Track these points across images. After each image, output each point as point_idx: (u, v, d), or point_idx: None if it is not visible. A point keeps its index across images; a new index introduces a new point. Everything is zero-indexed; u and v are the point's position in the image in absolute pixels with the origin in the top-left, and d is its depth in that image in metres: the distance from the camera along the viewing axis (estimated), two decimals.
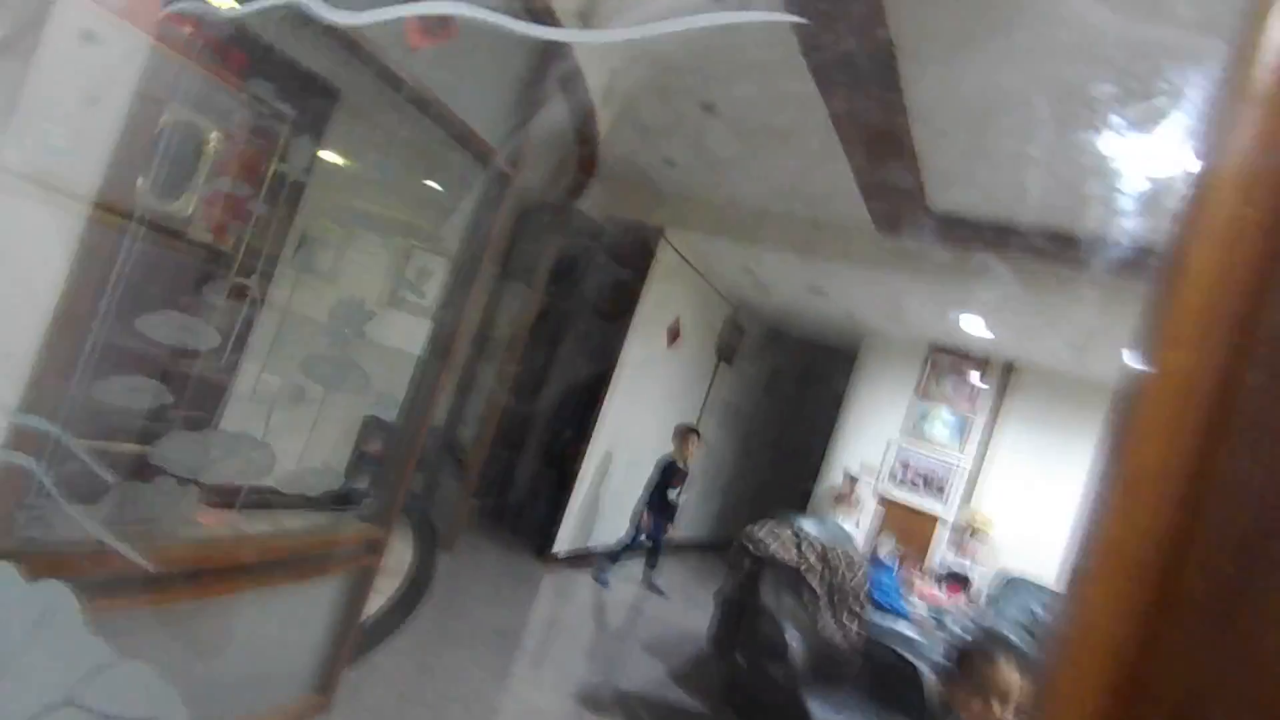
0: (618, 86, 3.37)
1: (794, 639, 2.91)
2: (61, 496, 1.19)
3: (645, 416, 5.81)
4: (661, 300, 5.49)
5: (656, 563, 5.41)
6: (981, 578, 5.36)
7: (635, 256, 5.45)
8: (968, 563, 5.30)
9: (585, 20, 2.63)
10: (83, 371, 1.25)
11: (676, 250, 5.44)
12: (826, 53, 2.88)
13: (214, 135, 2.71)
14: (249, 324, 3.03)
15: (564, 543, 5.20)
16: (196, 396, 2.21)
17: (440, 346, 2.55)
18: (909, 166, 3.54)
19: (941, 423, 5.81)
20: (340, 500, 4.78)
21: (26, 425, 1.08)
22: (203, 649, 1.79)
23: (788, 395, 9.14)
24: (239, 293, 2.39)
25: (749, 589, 3.37)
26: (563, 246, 5.91)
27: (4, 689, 0.70)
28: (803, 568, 3.42)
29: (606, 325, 6.59)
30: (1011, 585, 5.21)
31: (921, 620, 3.86)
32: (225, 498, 1.92)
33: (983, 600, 5.22)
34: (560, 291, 6.29)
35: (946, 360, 5.91)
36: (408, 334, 4.59)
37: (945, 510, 5.62)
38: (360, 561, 2.42)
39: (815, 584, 3.42)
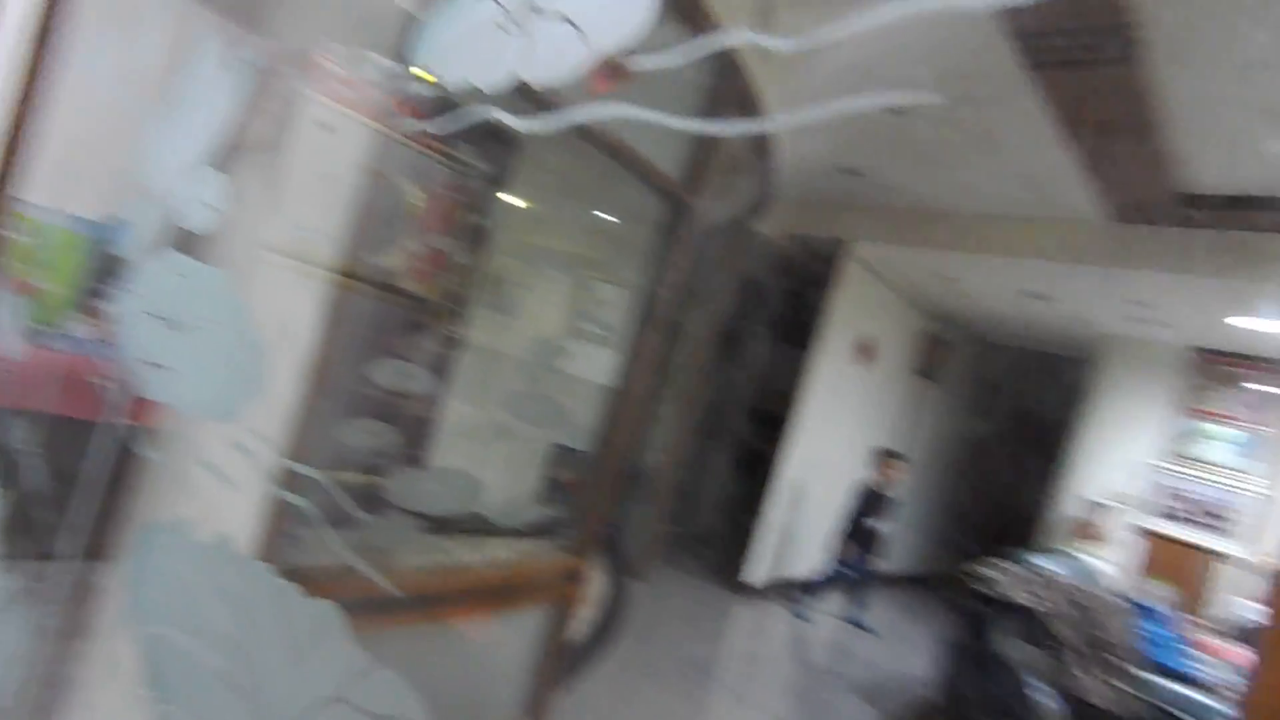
0: (797, 100, 3.26)
1: (1048, 698, 2.54)
2: (325, 528, 1.36)
3: (838, 440, 5.47)
4: (850, 317, 5.18)
5: (863, 599, 4.99)
6: None
7: (819, 273, 5.24)
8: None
9: (764, 19, 2.56)
10: (329, 417, 1.40)
11: (864, 263, 5.14)
12: (1047, 34, 2.60)
13: (417, 195, 3.00)
14: (451, 364, 3.31)
15: (757, 572, 4.98)
16: (411, 434, 2.40)
17: (628, 374, 2.56)
18: (1151, 146, 3.08)
19: (1221, 442, 4.93)
20: (535, 528, 4.94)
21: (297, 470, 1.24)
22: (425, 669, 1.89)
23: (1002, 413, 8.31)
24: (443, 336, 2.57)
25: (978, 635, 3.02)
26: (743, 269, 5.84)
27: (294, 685, 0.92)
28: (1042, 610, 3.01)
29: (792, 347, 6.40)
30: None
31: (1216, 683, 3.23)
32: (440, 527, 2.04)
33: None
34: (742, 314, 6.20)
35: (1218, 368, 5.05)
36: (588, 363, 4.72)
37: (1231, 546, 4.74)
38: (562, 590, 2.46)
39: (1062, 630, 2.99)
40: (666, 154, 2.35)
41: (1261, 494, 4.74)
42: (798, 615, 4.84)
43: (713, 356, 4.61)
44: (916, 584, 7.06)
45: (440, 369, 2.57)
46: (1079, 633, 3.01)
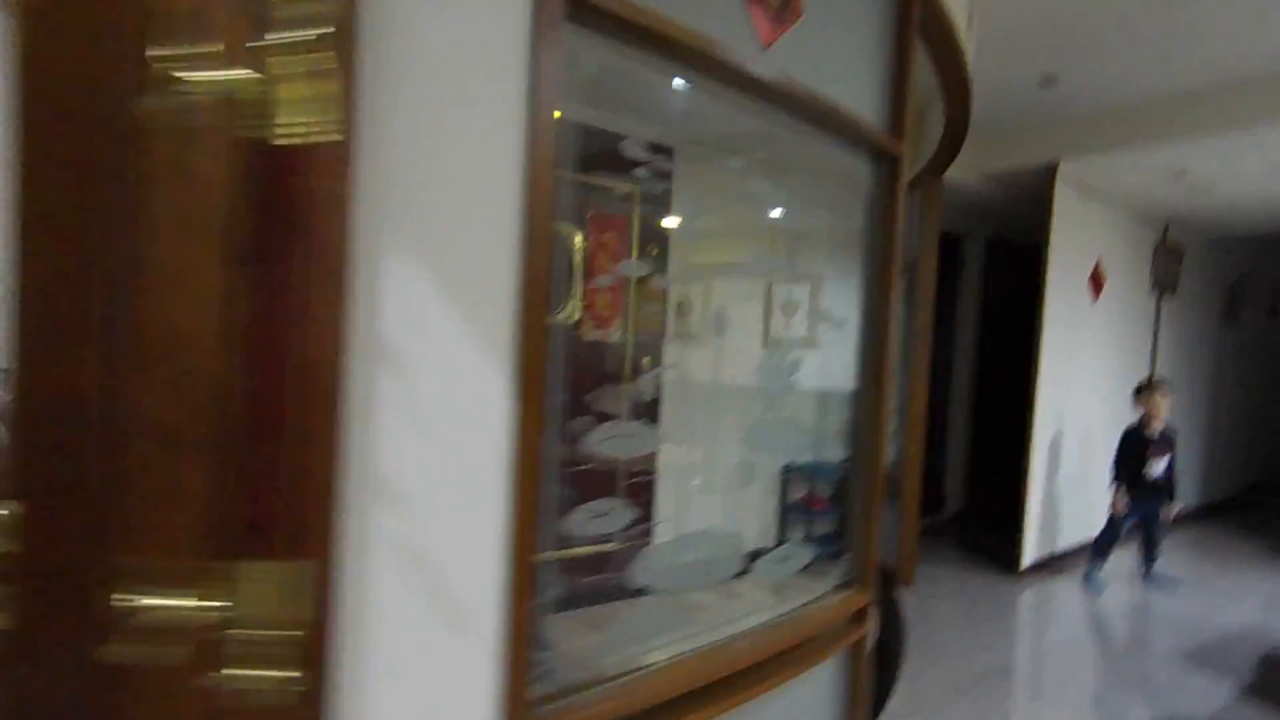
0: (975, 8, 3.00)
1: None
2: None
3: (1087, 384, 5.06)
4: (1072, 248, 4.78)
5: (1155, 553, 4.58)
6: None
7: (1023, 211, 4.88)
8: None
9: None
10: (549, 506, 1.31)
11: (1078, 183, 4.73)
12: None
13: (578, 238, 2.91)
14: (657, 404, 3.09)
15: (1032, 550, 4.70)
16: (639, 501, 2.25)
17: (872, 372, 2.37)
18: None
19: None
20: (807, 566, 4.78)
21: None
22: None
23: (1262, 310, 7.49)
24: (640, 380, 2.43)
25: None
26: (944, 225, 5.54)
27: None
28: None
29: (1008, 298, 6.00)
30: None
31: None
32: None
33: None
34: (948, 275, 5.89)
35: None
36: (828, 370, 4.61)
37: None
38: (851, 635, 2.23)
39: None
40: (866, 104, 2.12)
41: None
42: (1090, 588, 4.51)
43: (930, 328, 4.38)
44: (1212, 517, 6.47)
45: (648, 416, 2.38)
46: None
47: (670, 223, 3.55)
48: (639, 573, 1.57)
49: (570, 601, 1.54)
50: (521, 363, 1.16)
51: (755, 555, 2.06)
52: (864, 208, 2.35)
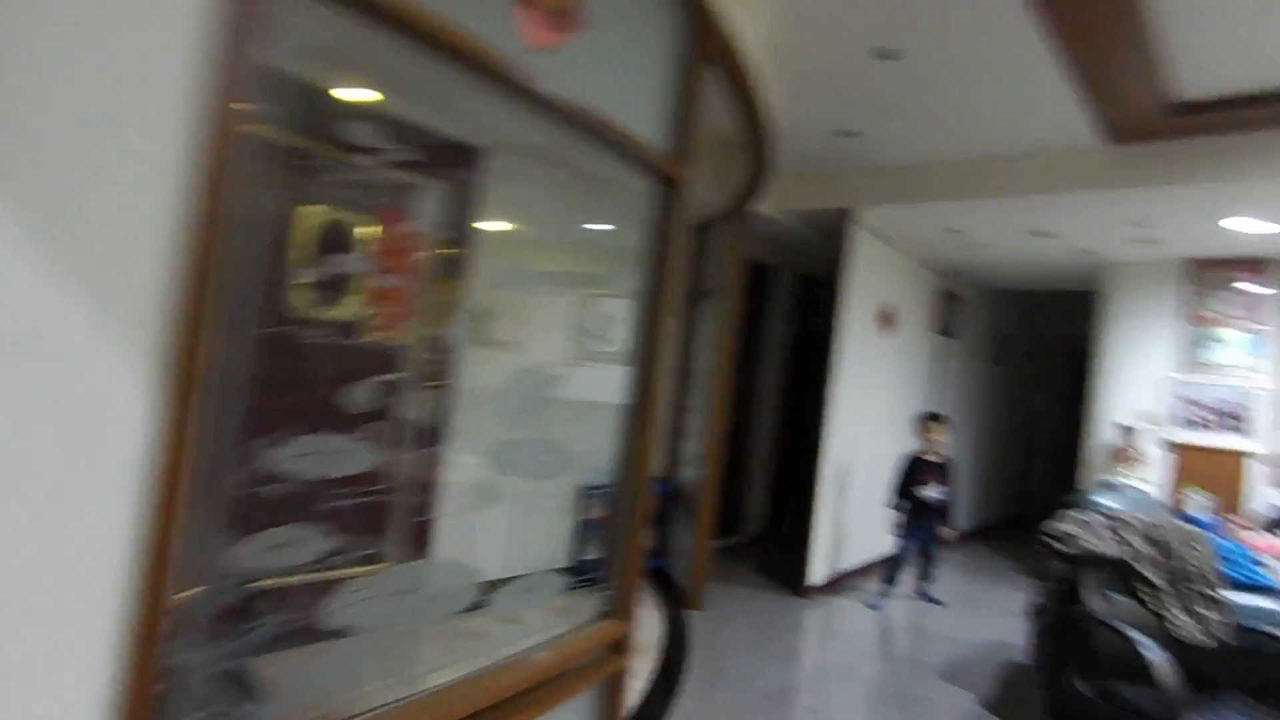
0: (778, 54, 3.19)
1: (1152, 654, 2.55)
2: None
3: (876, 415, 5.50)
4: (866, 288, 5.18)
5: (929, 573, 5.01)
6: None
7: (828, 248, 5.22)
8: None
9: None
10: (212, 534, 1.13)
11: (873, 229, 5.15)
12: None
13: (362, 228, 2.54)
14: (443, 414, 2.81)
15: (819, 570, 5.01)
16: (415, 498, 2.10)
17: (640, 389, 2.33)
18: (1143, 56, 3.09)
19: (1226, 345, 5.06)
20: (575, 574, 4.76)
21: None
22: None
23: (1024, 356, 8.46)
24: (424, 389, 2.25)
25: (1067, 597, 3.03)
26: (749, 257, 5.80)
27: None
28: (1129, 557, 3.03)
29: (813, 330, 6.38)
30: None
31: None
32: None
33: None
34: (756, 306, 6.18)
35: (1214, 274, 5.15)
36: (607, 387, 4.66)
37: (1253, 443, 4.86)
38: (607, 668, 2.14)
39: (1151, 575, 3.02)
40: (649, 127, 2.12)
41: (1269, 388, 4.88)
42: (870, 605, 4.84)
43: (733, 354, 4.56)
44: (982, 540, 7.15)
45: (428, 423, 2.15)
46: (1164, 571, 3.04)
47: (476, 225, 3.44)
48: (334, 611, 1.35)
49: (271, 644, 1.34)
50: (178, 364, 0.95)
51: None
52: (648, 223, 2.35)
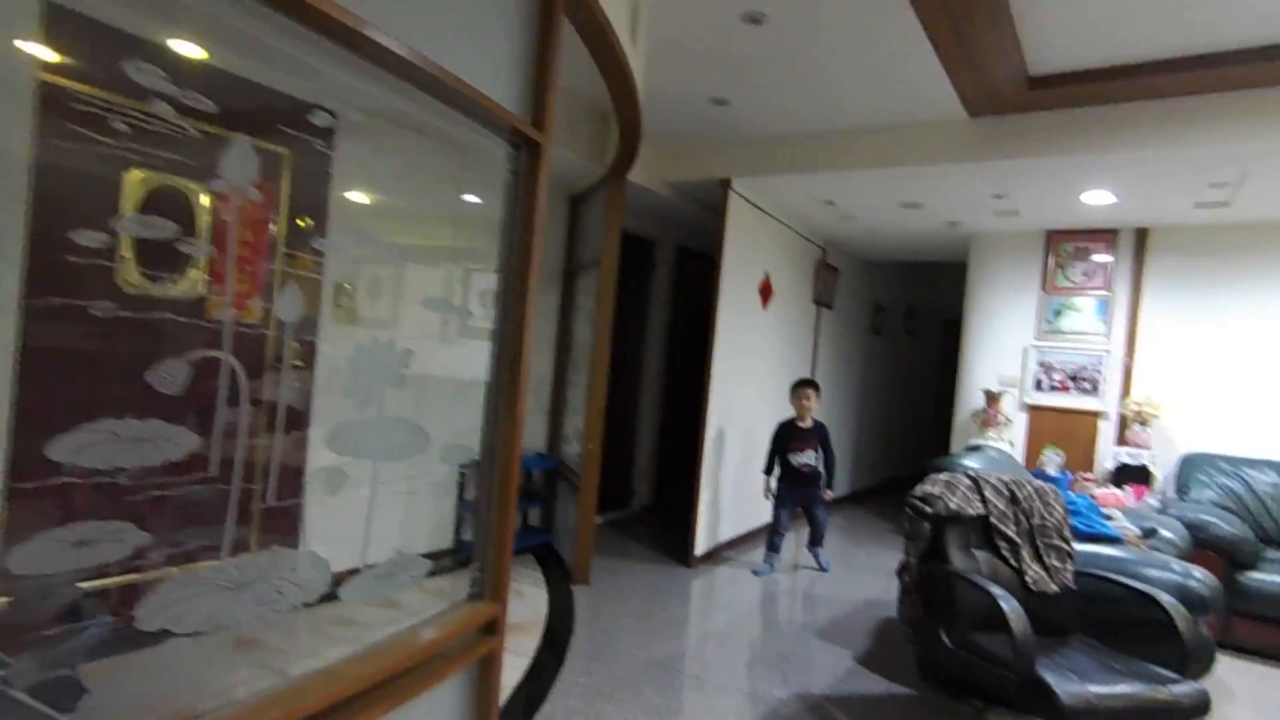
0: (642, 12, 3.08)
1: (1008, 605, 2.63)
2: None
3: (755, 386, 5.53)
4: (745, 260, 5.18)
5: (818, 534, 5.07)
6: (1161, 467, 4.93)
7: (709, 220, 5.18)
8: (1142, 454, 4.88)
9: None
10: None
11: (747, 200, 5.14)
12: None
13: (204, 197, 2.37)
14: (298, 395, 2.79)
15: (704, 540, 5.02)
16: (265, 485, 1.90)
17: (507, 363, 2.28)
18: (1004, 31, 3.15)
19: (1078, 313, 5.35)
20: (454, 555, 4.59)
21: None
22: None
23: (901, 327, 8.76)
24: (279, 366, 2.12)
25: (935, 555, 3.11)
26: (629, 229, 5.69)
27: None
28: (993, 516, 3.13)
29: (696, 303, 6.35)
30: (1192, 465, 4.78)
31: (1131, 537, 3.51)
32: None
33: (1170, 491, 4.80)
34: (641, 279, 6.08)
35: (1069, 245, 5.43)
36: (479, 363, 4.49)
37: (1103, 404, 5.19)
38: (478, 650, 2.06)
39: (1011, 532, 3.12)
40: (503, 86, 2.02)
41: (1114, 352, 5.20)
42: (755, 572, 4.87)
43: (612, 327, 4.45)
44: (859, 503, 7.37)
45: (284, 410, 2.01)
46: (1023, 529, 3.15)
47: (333, 194, 3.23)
48: (147, 613, 1.23)
49: (98, 649, 1.24)
50: None
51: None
52: (508, 194, 2.24)
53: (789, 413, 5.05)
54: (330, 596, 1.67)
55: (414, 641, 1.82)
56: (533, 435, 5.11)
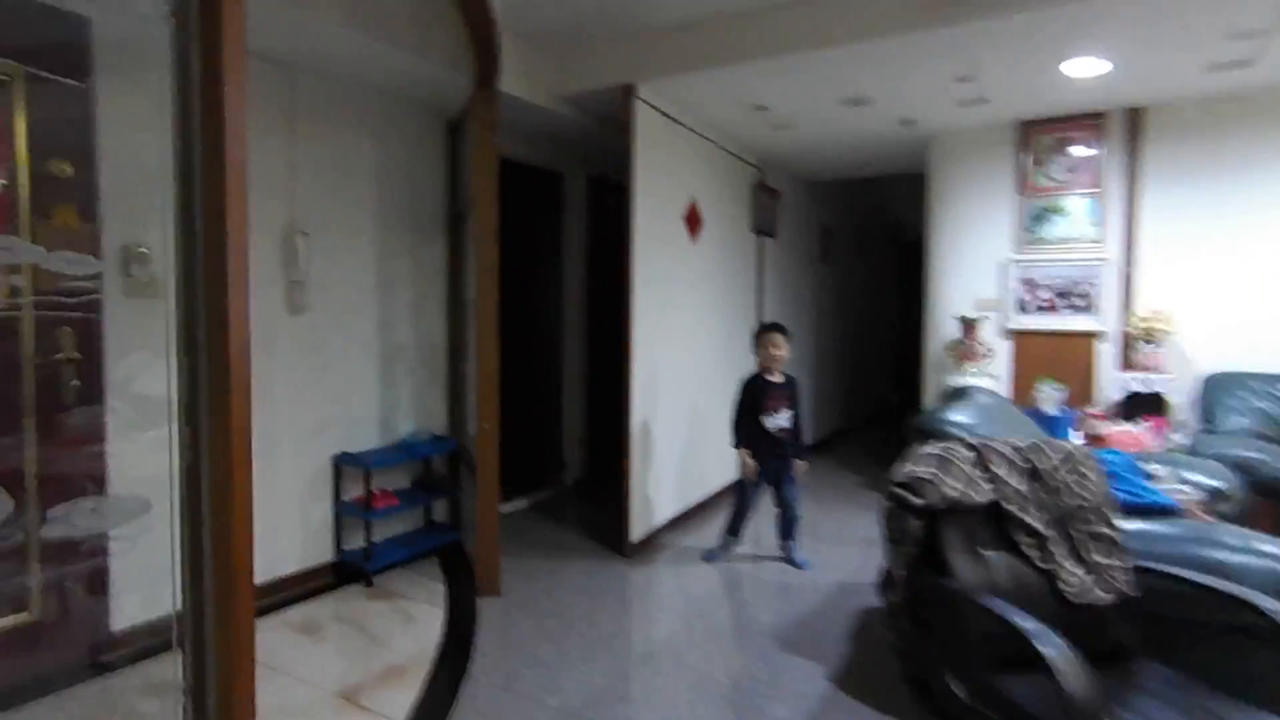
0: None
1: (1051, 649, 1.58)
2: None
3: (692, 332, 4.41)
4: (662, 184, 4.00)
5: (793, 524, 3.75)
6: (1179, 393, 3.91)
7: (621, 143, 3.96)
8: (1154, 379, 3.86)
9: None
10: None
11: (659, 110, 3.93)
12: None
13: None
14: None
15: (641, 523, 3.93)
16: None
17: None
18: None
19: (1064, 217, 4.26)
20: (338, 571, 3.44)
21: None
22: None
23: (852, 252, 7.58)
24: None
25: (930, 563, 2.05)
26: (519, 158, 4.45)
27: None
28: (1007, 502, 2.07)
29: (614, 242, 5.15)
30: (1217, 387, 3.76)
31: (1190, 504, 2.47)
32: None
33: (1194, 422, 3.79)
34: (550, 220, 4.86)
35: (1047, 137, 4.30)
36: (320, 339, 3.30)
37: (1101, 322, 4.15)
38: None
39: (1035, 521, 2.07)
40: None
41: (1110, 258, 4.12)
42: (706, 559, 3.80)
43: (496, 277, 3.27)
44: (816, 453, 6.26)
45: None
46: (1046, 512, 2.08)
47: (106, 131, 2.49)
48: None
49: None
50: None
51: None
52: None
53: (737, 364, 3.93)
54: None
55: None
56: (429, 414, 3.96)
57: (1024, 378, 4.34)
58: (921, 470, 2.02)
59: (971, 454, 2.10)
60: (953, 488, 1.99)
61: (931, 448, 2.13)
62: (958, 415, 2.66)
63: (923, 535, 2.02)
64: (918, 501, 1.98)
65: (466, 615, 3.12)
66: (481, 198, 3.20)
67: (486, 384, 3.27)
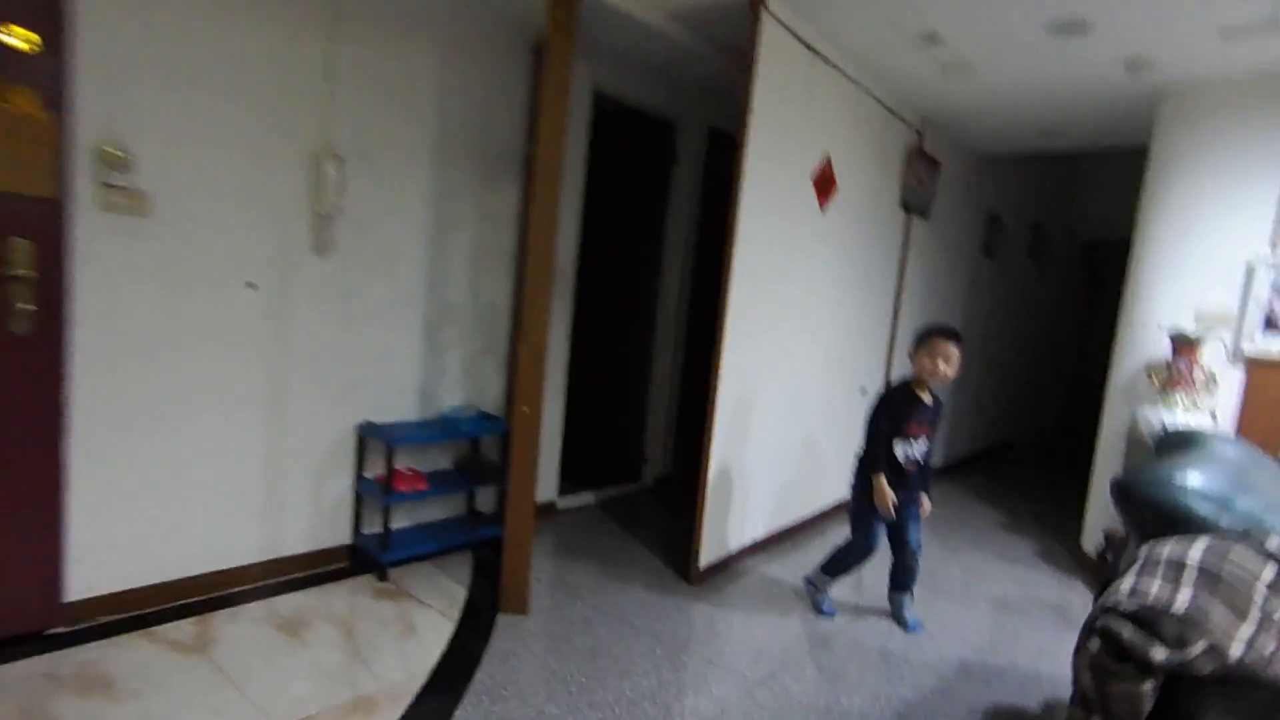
0: None
1: None
2: None
3: (809, 322, 3.49)
4: (789, 132, 3.09)
5: (907, 580, 2.82)
6: None
7: (734, 76, 3.07)
8: None
9: None
10: None
11: (794, 34, 3.01)
12: None
13: None
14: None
15: (713, 544, 3.08)
16: None
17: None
18: None
19: None
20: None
21: None
22: None
23: (1020, 250, 6.20)
24: None
25: None
26: (622, 97, 3.66)
27: None
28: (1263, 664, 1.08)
29: (716, 205, 4.27)
30: None
31: None
32: None
33: None
34: (658, 178, 4.07)
35: None
36: (349, 285, 2.64)
37: None
38: None
39: None
40: None
41: None
42: (823, 611, 2.86)
43: (550, 228, 2.53)
44: (950, 479, 5.13)
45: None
46: None
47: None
48: None
49: None
50: None
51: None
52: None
53: (863, 365, 2.97)
54: None
55: None
56: (481, 389, 3.30)
57: (1258, 423, 3.09)
58: (1168, 595, 1.06)
59: (1272, 569, 1.10)
60: (1233, 636, 1.03)
61: (1182, 545, 1.15)
62: (1209, 481, 1.59)
63: (1155, 711, 1.06)
64: (1160, 654, 1.02)
65: (478, 636, 2.43)
66: (547, 117, 2.45)
67: (531, 359, 2.54)
